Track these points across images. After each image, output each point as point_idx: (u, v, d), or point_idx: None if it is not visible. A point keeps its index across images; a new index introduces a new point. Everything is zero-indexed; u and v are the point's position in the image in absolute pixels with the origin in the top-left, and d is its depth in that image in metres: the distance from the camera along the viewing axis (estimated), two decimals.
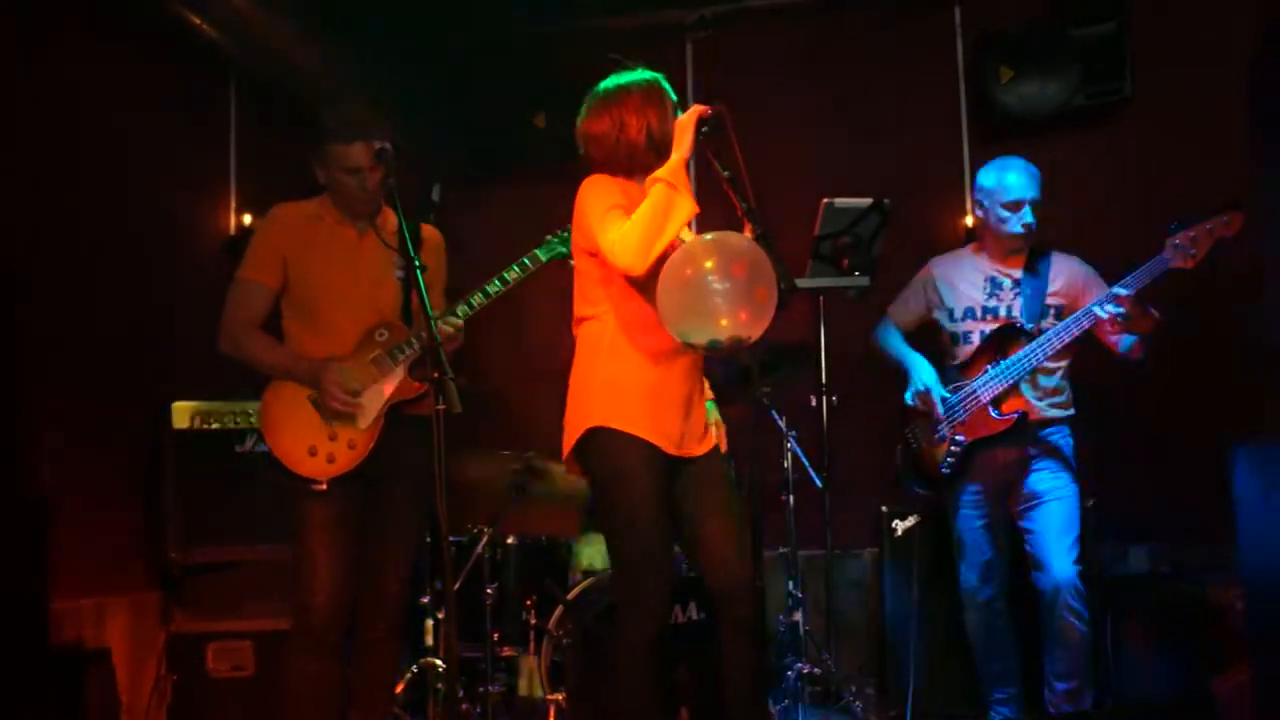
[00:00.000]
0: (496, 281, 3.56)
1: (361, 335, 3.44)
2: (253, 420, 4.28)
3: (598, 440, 3.10)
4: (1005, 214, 4.00)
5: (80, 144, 4.20)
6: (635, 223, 2.94)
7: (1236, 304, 4.67)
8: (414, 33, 5.30)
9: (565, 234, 3.53)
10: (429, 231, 3.65)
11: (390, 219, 3.55)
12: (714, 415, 3.29)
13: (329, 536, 3.33)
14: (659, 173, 2.99)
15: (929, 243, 4.98)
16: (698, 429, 3.17)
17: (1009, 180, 4.00)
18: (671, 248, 2.92)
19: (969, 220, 5.21)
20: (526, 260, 3.59)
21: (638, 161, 3.13)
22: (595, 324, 3.18)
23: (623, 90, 3.17)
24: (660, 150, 3.06)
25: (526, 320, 5.25)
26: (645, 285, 2.95)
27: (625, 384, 3.09)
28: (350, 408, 3.37)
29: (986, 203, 4.06)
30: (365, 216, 3.53)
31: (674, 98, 3.20)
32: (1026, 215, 3.98)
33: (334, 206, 3.51)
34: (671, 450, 3.08)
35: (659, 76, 3.22)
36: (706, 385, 3.32)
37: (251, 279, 3.43)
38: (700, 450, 3.17)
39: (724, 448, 3.31)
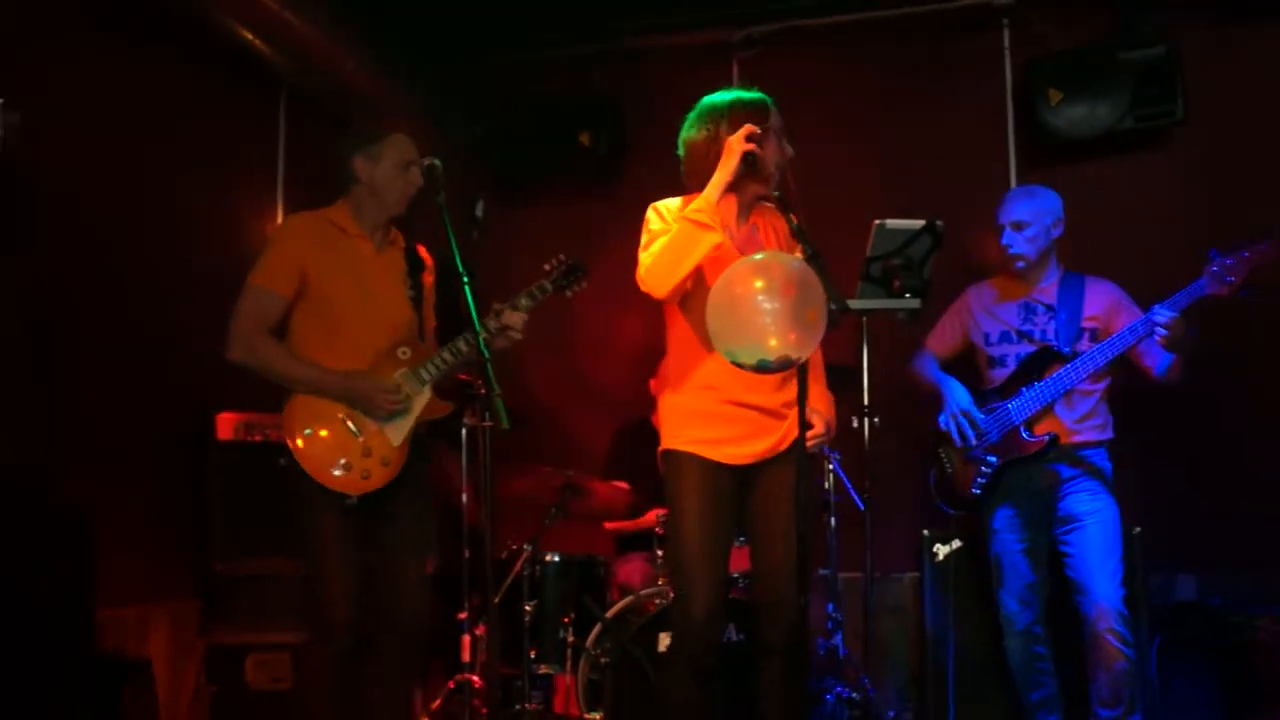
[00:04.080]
0: (526, 299, 3.56)
1: (377, 352, 3.44)
2: None
3: (666, 462, 3.27)
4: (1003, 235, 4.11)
5: (127, 155, 4.23)
6: (658, 253, 3.09)
7: None
8: (463, 49, 5.33)
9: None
10: (423, 251, 3.66)
11: (400, 238, 3.59)
12: (819, 419, 3.27)
13: (347, 551, 3.34)
14: (688, 208, 3.09)
15: (976, 265, 4.95)
16: (769, 440, 3.22)
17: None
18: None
19: None
20: (536, 291, 3.63)
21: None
22: (668, 350, 3.33)
23: (727, 105, 3.21)
24: (753, 167, 3.09)
25: (570, 337, 5.25)
26: (699, 311, 2.95)
27: (685, 406, 3.25)
28: (401, 405, 3.37)
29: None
30: (387, 224, 3.54)
31: (778, 122, 3.22)
32: (1004, 236, 4.08)
33: (354, 216, 3.50)
34: (735, 462, 3.20)
35: (766, 98, 3.24)
36: (817, 387, 3.33)
37: (267, 287, 3.38)
38: (783, 452, 3.22)
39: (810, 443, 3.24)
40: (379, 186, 3.47)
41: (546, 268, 3.73)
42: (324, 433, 3.34)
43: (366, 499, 3.35)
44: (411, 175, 3.46)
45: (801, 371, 2.90)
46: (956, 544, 4.51)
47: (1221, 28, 5.01)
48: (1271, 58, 4.86)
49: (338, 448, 3.34)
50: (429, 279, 3.62)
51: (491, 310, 3.53)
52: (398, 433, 3.41)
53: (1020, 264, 4.09)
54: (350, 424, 3.36)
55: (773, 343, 2.77)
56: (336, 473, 3.32)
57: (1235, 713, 4.17)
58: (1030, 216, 4.04)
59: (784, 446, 3.22)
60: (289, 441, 3.33)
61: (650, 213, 3.25)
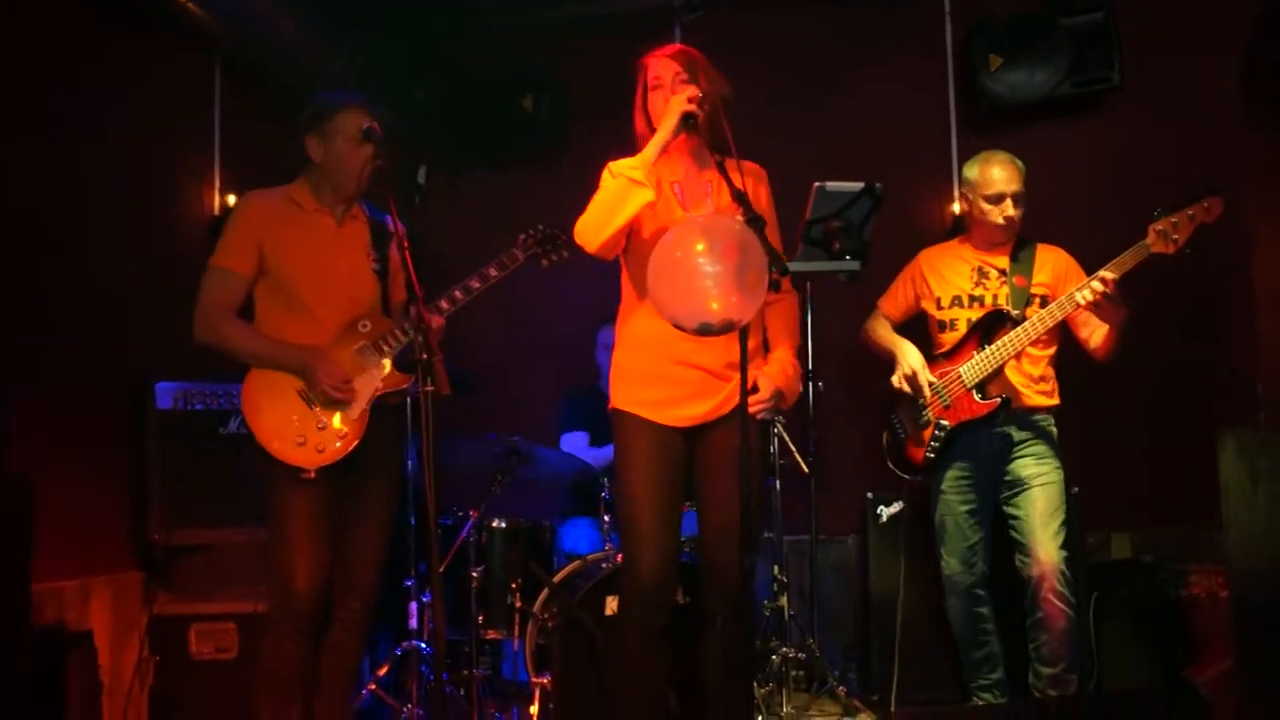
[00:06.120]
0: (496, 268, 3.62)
1: (341, 325, 3.44)
2: (237, 402, 4.25)
3: (615, 422, 3.27)
4: (987, 206, 4.08)
5: (61, 123, 4.14)
6: (591, 208, 3.14)
7: (1223, 290, 4.71)
8: (404, 14, 5.26)
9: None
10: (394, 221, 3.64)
11: (361, 211, 3.57)
12: (766, 384, 3.25)
13: (312, 524, 3.34)
14: (624, 163, 3.12)
15: (916, 228, 5.01)
16: (711, 402, 3.21)
17: (992, 173, 4.07)
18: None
19: (956, 207, 5.22)
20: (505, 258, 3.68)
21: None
22: (620, 310, 3.35)
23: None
24: (693, 129, 3.11)
25: (517, 302, 5.23)
26: (640, 265, 2.97)
27: (630, 365, 3.27)
28: (344, 395, 3.37)
29: (971, 195, 4.16)
30: (348, 199, 3.51)
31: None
32: (1008, 208, 4.05)
33: (312, 192, 3.49)
34: (678, 425, 3.20)
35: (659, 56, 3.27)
36: (783, 353, 3.34)
37: (227, 267, 3.40)
38: (726, 414, 3.21)
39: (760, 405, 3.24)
40: (332, 167, 3.45)
41: (522, 237, 3.74)
42: (280, 407, 3.35)
43: (325, 471, 3.35)
44: (366, 150, 3.41)
45: (742, 335, 2.91)
46: (899, 506, 4.58)
47: None
48: (1204, 25, 4.92)
49: (294, 422, 3.34)
50: (395, 250, 3.57)
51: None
52: (355, 406, 3.41)
53: (1010, 231, 4.11)
54: (305, 398, 3.37)
55: (714, 305, 2.77)
56: (292, 447, 3.32)
57: (1170, 665, 4.27)
58: (1023, 184, 4.08)
59: (726, 410, 3.22)
60: (247, 417, 3.35)
61: (605, 172, 3.25)
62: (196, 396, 4.29)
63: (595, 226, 3.11)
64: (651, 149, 3.09)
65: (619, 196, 3.08)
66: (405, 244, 3.14)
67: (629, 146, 3.28)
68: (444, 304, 3.52)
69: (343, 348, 3.42)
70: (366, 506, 3.47)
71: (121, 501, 4.29)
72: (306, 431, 3.34)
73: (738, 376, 3.18)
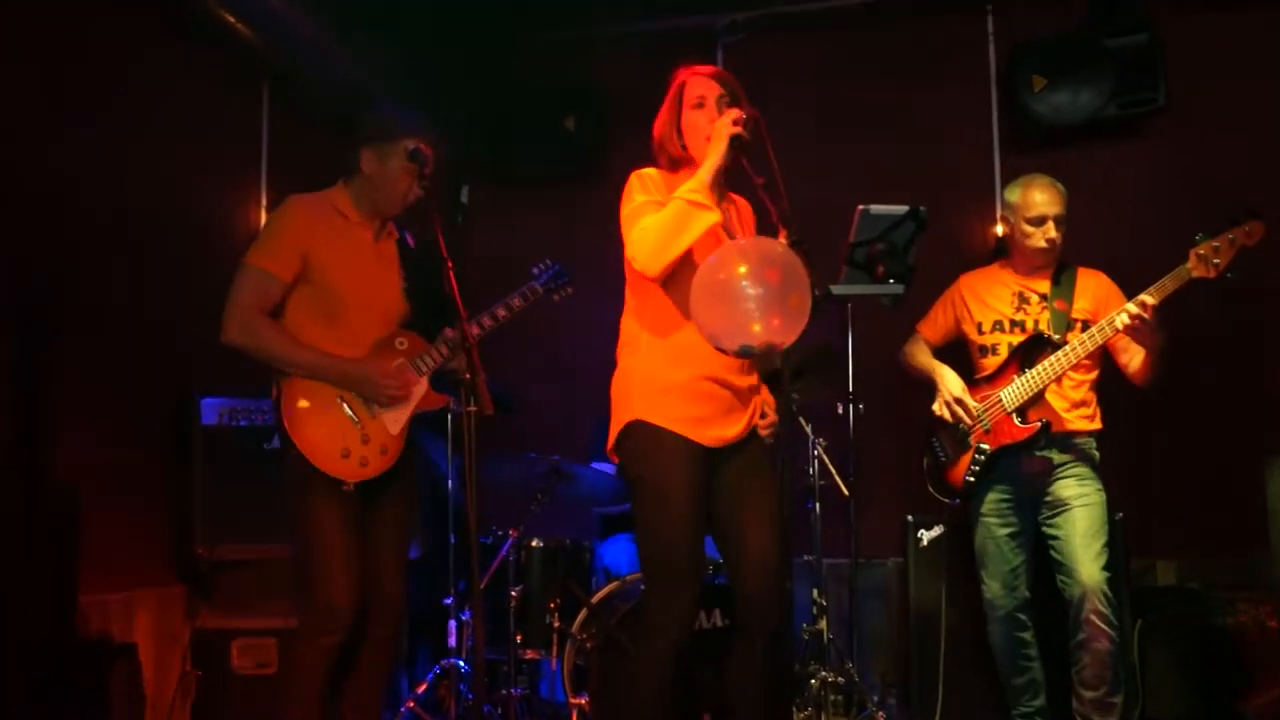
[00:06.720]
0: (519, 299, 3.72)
1: (375, 340, 3.44)
2: None
3: (638, 436, 3.14)
4: (1029, 229, 4.07)
5: (109, 140, 4.20)
6: (651, 229, 3.04)
7: (1272, 315, 4.65)
8: (446, 34, 5.31)
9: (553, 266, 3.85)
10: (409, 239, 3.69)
11: (393, 228, 3.60)
12: (770, 410, 3.25)
13: (348, 535, 3.33)
14: (682, 188, 3.06)
15: (959, 251, 4.99)
16: (740, 424, 3.18)
17: (1034, 196, 4.06)
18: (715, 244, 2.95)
19: (999, 229, 5.20)
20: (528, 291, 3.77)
21: (667, 155, 3.27)
22: (635, 318, 3.25)
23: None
24: (740, 150, 3.08)
25: (553, 321, 5.26)
26: (681, 283, 2.95)
27: (662, 378, 3.15)
28: (404, 391, 3.38)
29: (1012, 218, 4.14)
30: (388, 217, 3.53)
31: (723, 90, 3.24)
32: (1050, 231, 4.04)
33: (355, 203, 3.48)
34: (712, 444, 3.13)
35: (699, 74, 3.28)
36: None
37: (267, 269, 3.32)
38: (744, 438, 3.18)
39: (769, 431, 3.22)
40: (380, 184, 3.45)
41: (535, 270, 3.77)
42: (324, 419, 3.33)
43: (360, 485, 3.35)
44: (413, 169, 3.41)
45: (785, 358, 2.90)
46: (940, 529, 4.54)
47: (1204, 14, 5.03)
48: (1253, 44, 4.88)
49: (337, 434, 3.33)
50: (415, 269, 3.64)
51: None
52: (395, 421, 3.42)
53: (1051, 255, 4.09)
54: (349, 411, 3.36)
55: (756, 328, 2.77)
56: (336, 459, 3.31)
57: (1216, 693, 4.21)
58: (1064, 208, 4.07)
59: (746, 432, 3.20)
60: (288, 427, 3.31)
61: (633, 180, 3.21)
62: (241, 412, 4.33)
63: (657, 250, 3.02)
64: (706, 172, 3.05)
65: (681, 220, 3.01)
66: (449, 263, 3.14)
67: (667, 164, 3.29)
68: (474, 329, 3.52)
69: (384, 363, 3.43)
70: (391, 518, 3.47)
71: (166, 516, 4.33)
72: (350, 444, 3.34)
73: (757, 400, 3.22)
